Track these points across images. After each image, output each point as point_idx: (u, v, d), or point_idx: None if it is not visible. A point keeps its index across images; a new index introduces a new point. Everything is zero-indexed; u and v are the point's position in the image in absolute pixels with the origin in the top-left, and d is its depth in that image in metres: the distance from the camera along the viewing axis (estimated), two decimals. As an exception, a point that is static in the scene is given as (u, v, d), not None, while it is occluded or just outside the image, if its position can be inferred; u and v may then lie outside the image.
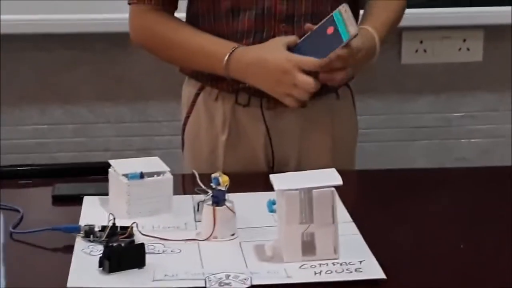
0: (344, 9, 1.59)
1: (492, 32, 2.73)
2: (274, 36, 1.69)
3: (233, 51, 1.66)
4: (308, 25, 1.64)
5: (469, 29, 2.73)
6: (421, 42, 2.75)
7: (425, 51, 2.76)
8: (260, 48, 1.66)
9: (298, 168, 1.73)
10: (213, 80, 1.75)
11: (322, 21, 1.62)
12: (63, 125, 2.71)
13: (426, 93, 2.80)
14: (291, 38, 1.65)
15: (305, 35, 1.64)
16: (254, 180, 1.67)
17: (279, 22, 1.70)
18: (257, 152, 1.78)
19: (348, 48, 1.60)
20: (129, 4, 1.77)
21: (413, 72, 2.78)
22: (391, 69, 2.75)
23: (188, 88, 1.83)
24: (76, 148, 2.71)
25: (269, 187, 1.36)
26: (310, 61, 1.60)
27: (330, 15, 1.61)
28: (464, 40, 2.76)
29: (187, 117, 1.83)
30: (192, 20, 1.77)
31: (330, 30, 1.60)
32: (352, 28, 1.58)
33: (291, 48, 1.63)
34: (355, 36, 1.59)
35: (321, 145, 1.79)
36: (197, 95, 1.80)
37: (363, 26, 1.69)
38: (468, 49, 2.76)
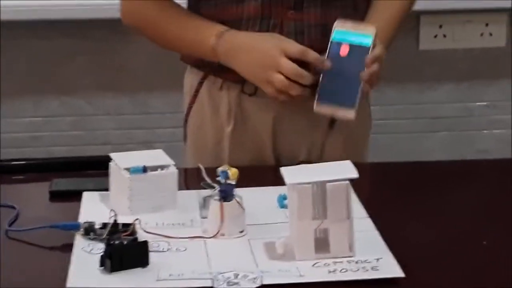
0: (341, 23, 1.57)
1: (516, 16, 2.74)
2: (282, 24, 1.69)
3: (222, 33, 1.65)
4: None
5: (492, 13, 2.73)
6: (441, 26, 2.75)
7: (444, 36, 2.76)
8: (256, 34, 1.66)
9: (308, 160, 1.74)
10: (217, 70, 1.75)
11: (328, 52, 1.56)
12: (60, 118, 2.72)
13: (445, 81, 2.80)
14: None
15: (322, 77, 1.58)
16: (263, 174, 1.68)
17: (287, 9, 1.69)
18: (265, 143, 1.78)
19: (377, 43, 1.58)
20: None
21: (432, 58, 2.78)
22: (408, 55, 2.75)
23: (191, 77, 1.83)
24: (73, 141, 2.72)
25: (278, 181, 1.36)
26: (294, 45, 1.59)
27: (330, 41, 1.56)
28: (487, 25, 2.76)
29: (190, 107, 1.83)
30: (193, 3, 1.76)
31: (344, 51, 1.56)
32: (369, 28, 1.55)
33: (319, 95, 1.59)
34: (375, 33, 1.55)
35: (332, 136, 1.79)
36: (200, 84, 1.80)
37: None
38: (490, 34, 2.76)
